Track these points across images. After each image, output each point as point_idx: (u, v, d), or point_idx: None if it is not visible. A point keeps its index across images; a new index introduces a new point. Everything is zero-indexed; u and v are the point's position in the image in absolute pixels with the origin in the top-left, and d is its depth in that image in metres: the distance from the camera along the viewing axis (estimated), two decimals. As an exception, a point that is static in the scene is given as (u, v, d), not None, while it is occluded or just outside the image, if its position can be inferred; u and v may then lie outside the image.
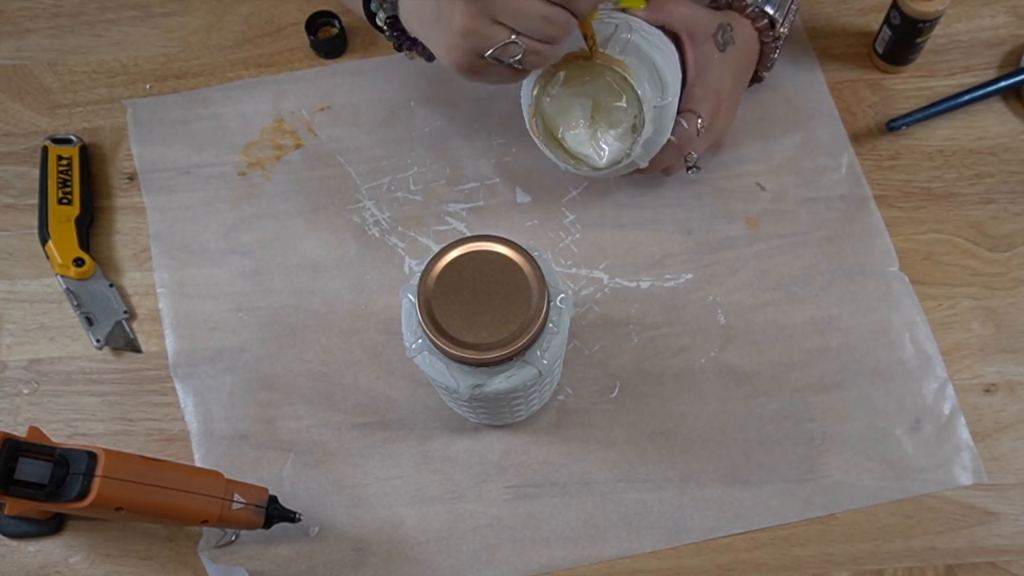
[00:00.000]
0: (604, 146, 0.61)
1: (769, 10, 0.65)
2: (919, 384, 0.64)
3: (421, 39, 0.59)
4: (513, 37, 0.51)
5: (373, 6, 0.62)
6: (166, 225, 0.71)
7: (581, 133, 0.61)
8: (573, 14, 0.52)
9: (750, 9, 0.65)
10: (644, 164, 0.63)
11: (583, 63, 0.58)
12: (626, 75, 0.58)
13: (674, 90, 0.61)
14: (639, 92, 0.58)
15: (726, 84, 0.65)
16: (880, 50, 0.73)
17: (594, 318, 0.67)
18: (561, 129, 0.62)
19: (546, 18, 0.51)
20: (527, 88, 0.61)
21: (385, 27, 0.63)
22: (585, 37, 0.57)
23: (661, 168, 0.66)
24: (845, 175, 0.70)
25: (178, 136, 0.74)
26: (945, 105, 0.71)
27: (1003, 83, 0.71)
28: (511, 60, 0.52)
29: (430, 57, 0.65)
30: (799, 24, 0.76)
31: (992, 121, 0.72)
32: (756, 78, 0.70)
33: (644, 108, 0.59)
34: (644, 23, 0.61)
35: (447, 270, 0.50)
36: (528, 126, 0.62)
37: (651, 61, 0.59)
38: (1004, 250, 0.68)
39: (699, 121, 0.63)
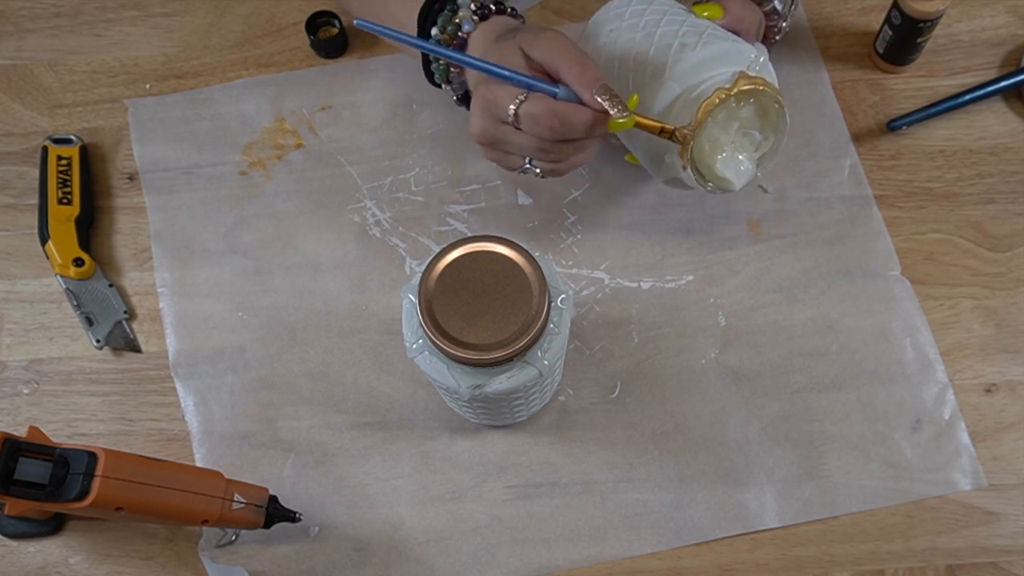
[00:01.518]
0: (741, 169, 0.61)
1: (777, 5, 0.65)
2: (919, 388, 0.64)
3: None
4: (527, 164, 0.58)
5: (437, 79, 0.63)
6: (167, 225, 0.71)
7: (728, 157, 0.60)
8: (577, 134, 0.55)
9: (767, 6, 0.65)
10: (766, 170, 0.63)
11: (746, 89, 0.57)
12: (782, 103, 0.58)
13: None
14: (788, 119, 0.59)
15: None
16: (881, 50, 0.73)
17: (595, 319, 0.67)
18: (713, 153, 0.60)
19: (542, 150, 0.56)
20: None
21: (457, 100, 0.65)
22: (649, 129, 0.57)
23: None
24: (848, 176, 0.70)
25: (179, 136, 0.74)
26: (946, 105, 0.71)
27: (1004, 83, 0.71)
28: (538, 176, 0.59)
29: None
30: (806, 26, 0.76)
31: (993, 121, 0.72)
32: None
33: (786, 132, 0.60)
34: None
35: (448, 270, 0.50)
36: (679, 153, 0.59)
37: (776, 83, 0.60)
38: (1005, 250, 0.68)
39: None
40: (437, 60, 0.62)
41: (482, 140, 0.57)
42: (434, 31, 0.60)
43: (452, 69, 0.62)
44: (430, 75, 0.64)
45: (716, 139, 0.60)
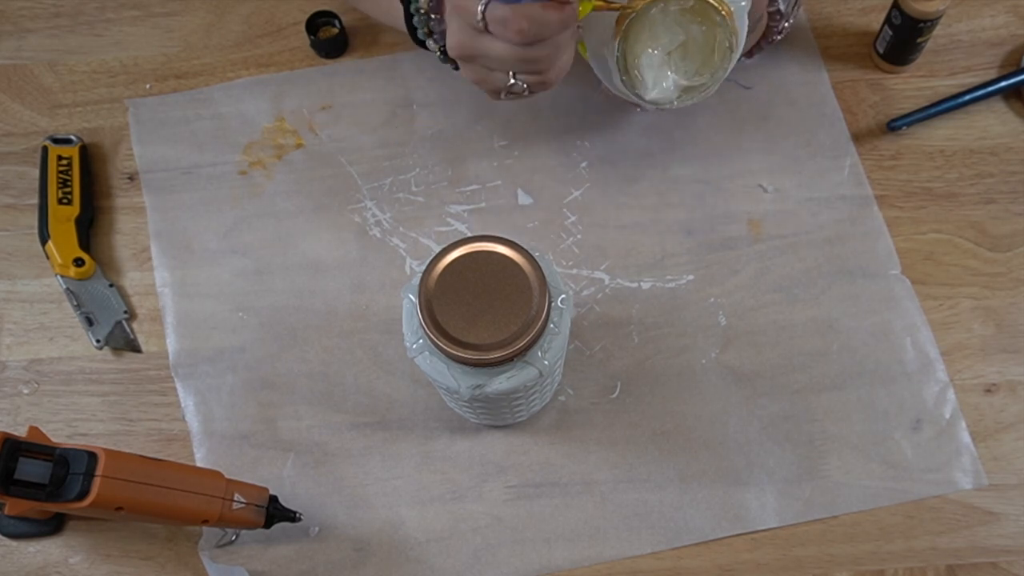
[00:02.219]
0: (662, 83, 0.60)
1: (781, 6, 0.65)
2: (920, 387, 0.64)
3: None
4: (512, 79, 0.56)
5: (420, 35, 0.62)
6: (167, 225, 0.71)
7: (655, 58, 0.59)
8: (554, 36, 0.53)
9: (772, 7, 0.64)
10: (683, 104, 0.61)
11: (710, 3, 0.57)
12: (733, 46, 0.58)
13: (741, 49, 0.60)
14: (727, 69, 0.58)
15: None
16: (881, 50, 0.73)
17: (595, 319, 0.67)
18: (642, 44, 0.58)
19: (521, 59, 0.54)
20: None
21: (440, 55, 0.64)
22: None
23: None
24: (848, 176, 0.70)
25: (179, 135, 0.74)
26: (946, 105, 0.71)
27: (1004, 83, 0.71)
28: (524, 93, 0.57)
29: None
30: (806, 25, 0.76)
31: (993, 121, 0.72)
32: (756, 47, 0.69)
33: (729, 65, 0.59)
34: None
35: (448, 270, 0.50)
36: (616, 20, 0.57)
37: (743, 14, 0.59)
38: (1005, 250, 0.68)
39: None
40: (418, 11, 0.61)
41: (460, 54, 0.56)
42: None
43: (432, 17, 0.60)
44: (412, 30, 0.63)
45: (657, 37, 0.58)
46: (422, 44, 0.64)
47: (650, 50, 0.59)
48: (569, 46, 0.56)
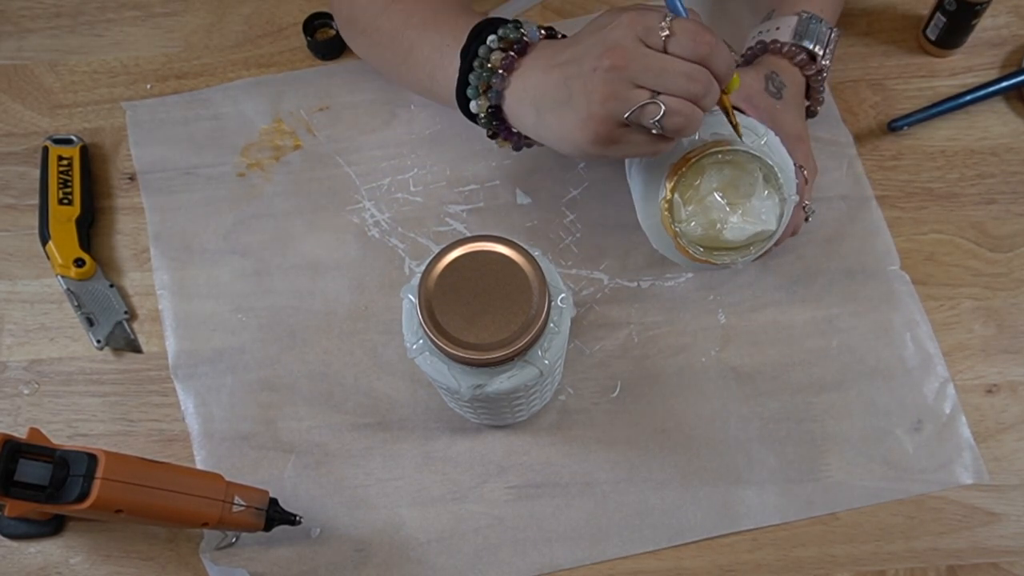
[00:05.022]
0: (732, 220, 0.55)
1: (807, 44, 0.63)
2: (920, 383, 0.64)
3: (534, 129, 0.56)
4: (653, 98, 0.49)
5: (470, 92, 0.58)
6: (166, 226, 0.71)
7: (725, 205, 0.55)
8: (714, 76, 0.50)
9: (786, 48, 0.64)
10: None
11: (727, 152, 0.54)
12: (776, 172, 0.54)
13: (792, 186, 0.56)
14: (785, 190, 0.55)
15: (799, 125, 0.64)
16: (932, 37, 0.73)
17: (595, 318, 0.67)
18: (708, 192, 0.55)
19: (688, 76, 0.49)
20: (642, 182, 0.57)
21: (483, 115, 0.58)
22: (726, 113, 0.53)
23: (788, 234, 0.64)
24: (846, 175, 0.70)
25: (177, 137, 0.74)
26: (947, 105, 0.71)
27: (1005, 83, 0.71)
28: (652, 122, 0.50)
29: (519, 147, 0.61)
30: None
31: (994, 121, 0.72)
32: (809, 112, 0.68)
33: (786, 206, 0.55)
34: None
35: (448, 270, 0.50)
36: (664, 210, 0.55)
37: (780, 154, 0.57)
38: (1006, 250, 0.68)
39: (804, 171, 0.62)
40: (483, 66, 0.56)
41: (616, 62, 0.49)
42: (491, 38, 0.56)
43: (499, 73, 0.56)
44: (464, 85, 0.58)
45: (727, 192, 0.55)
46: (465, 107, 0.59)
47: (714, 197, 0.55)
48: (712, 104, 0.51)
